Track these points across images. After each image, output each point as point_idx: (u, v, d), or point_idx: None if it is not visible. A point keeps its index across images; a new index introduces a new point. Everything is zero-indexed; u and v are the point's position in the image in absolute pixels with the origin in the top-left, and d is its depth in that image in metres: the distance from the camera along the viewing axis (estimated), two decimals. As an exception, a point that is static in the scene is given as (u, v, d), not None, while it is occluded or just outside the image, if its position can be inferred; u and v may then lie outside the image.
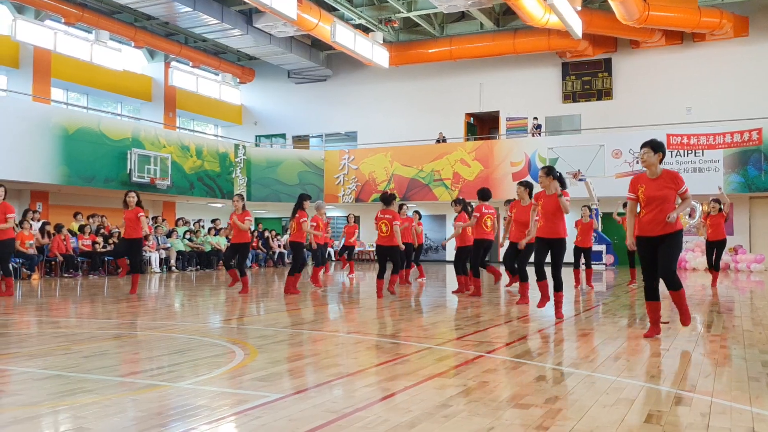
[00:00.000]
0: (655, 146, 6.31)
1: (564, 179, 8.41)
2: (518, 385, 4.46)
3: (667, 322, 7.20)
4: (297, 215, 12.08)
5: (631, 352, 5.78)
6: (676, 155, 21.24)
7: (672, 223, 6.18)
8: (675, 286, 6.36)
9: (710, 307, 9.63)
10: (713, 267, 13.80)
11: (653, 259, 6.38)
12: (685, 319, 6.60)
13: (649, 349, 5.94)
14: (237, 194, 12.52)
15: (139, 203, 11.55)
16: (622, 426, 3.51)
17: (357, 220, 19.21)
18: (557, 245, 8.08)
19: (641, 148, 6.39)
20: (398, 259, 11.22)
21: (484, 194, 10.99)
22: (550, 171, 8.21)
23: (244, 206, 11.96)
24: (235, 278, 11.91)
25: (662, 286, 6.44)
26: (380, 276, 11.09)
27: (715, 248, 13.69)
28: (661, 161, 6.33)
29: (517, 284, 11.36)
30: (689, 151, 21.15)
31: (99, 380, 4.57)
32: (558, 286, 8.16)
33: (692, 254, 21.06)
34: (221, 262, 21.22)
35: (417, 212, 14.92)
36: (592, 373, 4.85)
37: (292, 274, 11.89)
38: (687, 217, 19.24)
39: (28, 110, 18.31)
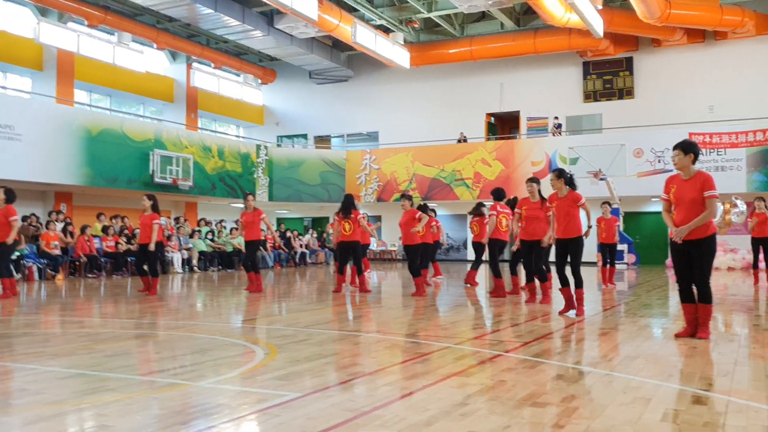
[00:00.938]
0: (686, 148, 6.16)
1: (574, 181, 8.45)
2: (536, 384, 4.47)
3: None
4: (353, 215, 11.94)
5: (650, 352, 5.76)
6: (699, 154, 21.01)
7: (680, 234, 6.09)
8: (707, 299, 6.20)
9: (732, 306, 9.53)
10: (757, 266, 13.75)
11: (687, 262, 6.25)
12: (705, 333, 6.30)
13: (668, 348, 5.92)
14: (248, 193, 12.62)
15: (154, 208, 11.45)
16: (638, 424, 3.51)
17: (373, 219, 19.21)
18: (574, 244, 8.22)
19: (673, 150, 6.26)
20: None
21: (499, 194, 11.13)
22: (561, 173, 8.35)
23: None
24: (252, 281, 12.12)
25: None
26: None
27: (761, 245, 13.60)
28: (694, 162, 6.17)
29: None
30: (711, 150, 20.93)
31: (121, 379, 4.66)
32: (579, 283, 8.29)
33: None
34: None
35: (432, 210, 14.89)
36: (610, 372, 4.84)
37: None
38: (733, 216, 18.73)
39: (52, 112, 18.56)
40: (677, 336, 6.43)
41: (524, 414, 3.73)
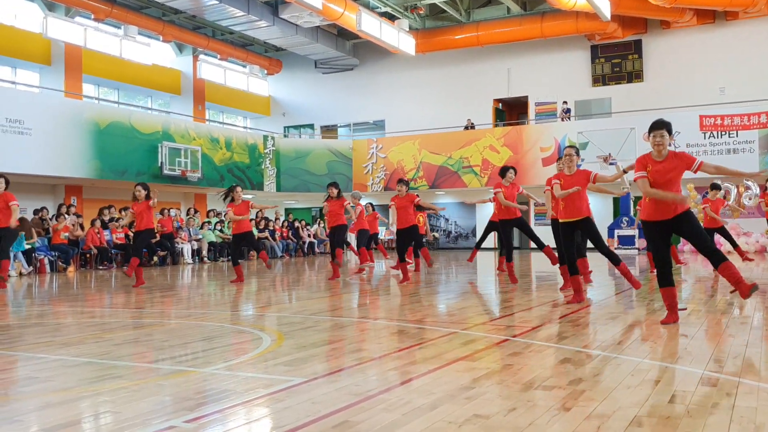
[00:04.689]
0: (670, 128, 6.01)
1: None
2: (543, 368, 4.45)
3: (685, 309, 7.02)
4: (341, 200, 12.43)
5: (660, 335, 5.71)
6: (710, 137, 20.87)
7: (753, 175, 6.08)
8: (721, 257, 5.94)
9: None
10: None
11: (666, 243, 6.10)
12: (744, 287, 5.96)
13: (678, 331, 5.87)
14: (236, 185, 12.75)
15: (148, 196, 11.51)
16: (645, 406, 3.48)
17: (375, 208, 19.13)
18: (584, 224, 7.92)
19: (657, 130, 5.99)
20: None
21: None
22: (578, 151, 8.11)
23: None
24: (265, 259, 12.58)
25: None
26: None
27: None
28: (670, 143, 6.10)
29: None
30: (723, 132, 20.76)
31: (129, 366, 4.67)
32: (616, 260, 7.99)
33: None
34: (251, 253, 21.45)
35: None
36: (618, 356, 4.81)
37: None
38: (745, 199, 18.68)
39: (60, 106, 18.62)
40: (663, 323, 6.15)
41: (530, 397, 3.71)
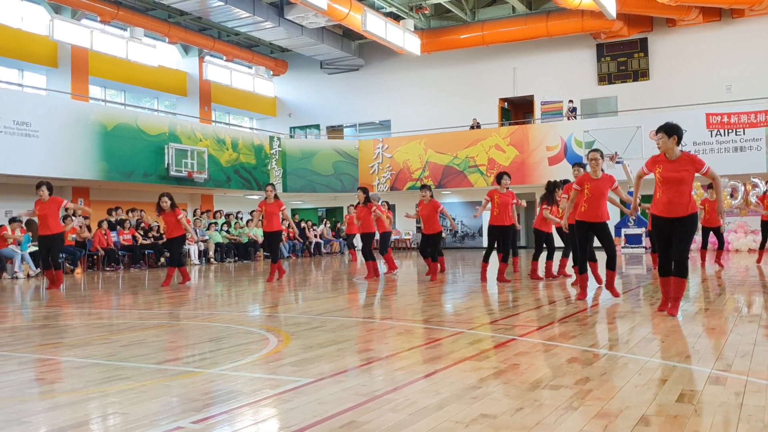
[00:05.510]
0: (668, 131, 6.33)
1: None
2: (550, 367, 4.44)
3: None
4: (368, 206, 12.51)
5: (667, 334, 5.70)
6: (716, 135, 20.79)
7: (722, 217, 6.46)
8: (683, 273, 6.43)
9: (752, 288, 9.43)
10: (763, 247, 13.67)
11: (669, 238, 6.49)
12: (675, 310, 6.52)
13: (686, 330, 5.85)
14: (269, 184, 12.65)
15: (173, 205, 11.83)
16: (653, 405, 3.47)
17: (392, 208, 19.20)
18: (600, 228, 8.07)
19: (656, 134, 6.48)
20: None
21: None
22: (603, 154, 7.97)
23: (276, 195, 12.22)
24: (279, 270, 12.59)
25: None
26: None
27: None
28: (677, 144, 6.38)
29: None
30: (730, 130, 20.67)
31: (135, 367, 4.68)
32: (612, 265, 8.23)
33: (735, 235, 20.61)
34: (259, 253, 21.48)
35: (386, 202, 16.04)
36: (625, 355, 4.80)
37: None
38: (729, 197, 18.83)
39: (67, 108, 18.68)
40: (659, 310, 6.75)
41: (537, 396, 3.70)
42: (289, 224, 14.21)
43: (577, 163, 10.02)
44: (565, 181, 10.84)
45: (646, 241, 21.11)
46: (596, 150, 8.20)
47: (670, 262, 6.52)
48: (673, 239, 6.42)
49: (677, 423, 3.18)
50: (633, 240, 21.19)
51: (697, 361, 4.57)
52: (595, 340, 5.70)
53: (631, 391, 3.77)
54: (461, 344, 5.39)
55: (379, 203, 14.61)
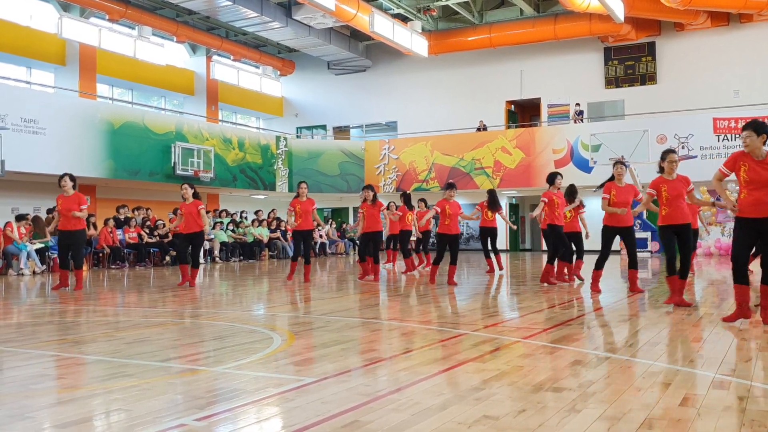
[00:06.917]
0: (758, 128, 6.00)
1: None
2: (553, 370, 4.44)
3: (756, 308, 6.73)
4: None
5: (672, 338, 5.69)
6: (724, 139, 20.73)
7: None
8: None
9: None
10: None
11: (753, 241, 6.17)
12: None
13: (691, 334, 5.84)
14: (302, 182, 12.48)
15: (195, 195, 11.37)
16: (656, 409, 3.47)
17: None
18: (684, 230, 7.66)
19: (744, 131, 6.08)
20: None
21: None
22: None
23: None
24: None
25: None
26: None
27: None
28: (764, 143, 6.03)
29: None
30: (737, 135, 20.58)
31: (139, 365, 4.69)
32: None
33: None
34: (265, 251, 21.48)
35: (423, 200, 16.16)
36: (629, 358, 4.79)
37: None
38: None
39: (75, 106, 18.74)
40: (725, 320, 6.31)
41: (540, 398, 3.70)
42: (318, 224, 13.42)
43: (618, 161, 9.61)
44: (611, 179, 9.40)
45: (652, 245, 21.07)
46: (673, 151, 7.92)
47: (747, 267, 6.17)
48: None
49: (680, 427, 3.17)
50: (638, 244, 21.13)
51: (701, 365, 4.56)
52: (599, 343, 5.69)
53: (633, 394, 3.77)
54: (465, 345, 5.39)
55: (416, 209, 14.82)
